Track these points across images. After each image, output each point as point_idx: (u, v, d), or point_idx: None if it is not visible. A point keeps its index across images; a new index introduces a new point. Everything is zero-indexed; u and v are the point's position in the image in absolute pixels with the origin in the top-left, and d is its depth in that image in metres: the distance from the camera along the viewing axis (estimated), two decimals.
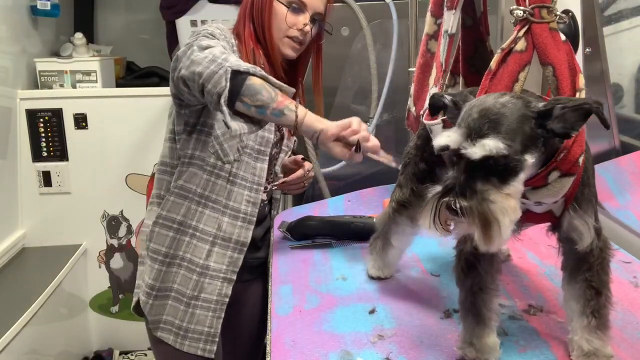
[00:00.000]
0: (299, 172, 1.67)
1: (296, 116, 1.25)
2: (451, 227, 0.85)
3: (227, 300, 1.50)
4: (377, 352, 1.05)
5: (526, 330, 1.10)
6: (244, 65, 1.24)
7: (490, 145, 0.80)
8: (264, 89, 1.24)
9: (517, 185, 0.84)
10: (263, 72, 1.26)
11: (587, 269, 0.96)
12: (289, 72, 1.61)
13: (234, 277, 1.50)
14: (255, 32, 1.50)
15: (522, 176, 0.84)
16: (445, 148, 0.85)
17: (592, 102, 0.81)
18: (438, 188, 0.85)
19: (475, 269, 0.97)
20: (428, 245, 1.51)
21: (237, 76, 1.23)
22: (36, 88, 2.51)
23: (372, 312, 1.20)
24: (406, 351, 1.05)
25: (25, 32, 2.46)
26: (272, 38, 1.49)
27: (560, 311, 1.13)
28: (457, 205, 0.81)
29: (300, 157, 1.72)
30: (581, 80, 0.94)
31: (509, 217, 0.82)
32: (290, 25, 1.49)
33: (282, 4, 1.49)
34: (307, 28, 1.50)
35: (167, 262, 1.48)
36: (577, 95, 0.93)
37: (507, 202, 0.82)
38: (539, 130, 0.84)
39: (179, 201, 1.48)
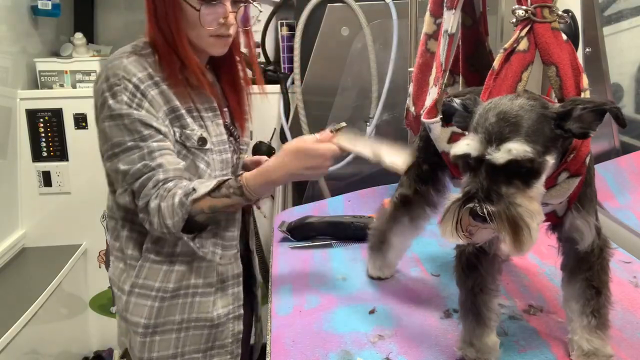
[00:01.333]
0: None
1: (246, 194, 1.22)
2: (472, 233, 0.83)
3: (241, 335, 1.39)
4: (377, 352, 1.05)
5: (526, 330, 1.10)
6: (183, 211, 1.19)
7: (518, 150, 0.79)
8: (215, 204, 1.22)
9: (539, 187, 0.83)
10: (201, 192, 1.20)
11: (587, 269, 0.96)
12: (219, 69, 1.40)
13: (242, 311, 1.38)
14: (166, 40, 1.27)
15: (544, 178, 0.83)
16: (466, 156, 0.83)
17: (610, 103, 0.81)
18: (457, 195, 0.83)
19: (477, 270, 0.97)
20: (428, 245, 1.51)
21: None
22: (36, 88, 2.50)
23: (372, 312, 1.20)
24: (406, 351, 1.05)
25: (25, 32, 2.46)
26: (183, 44, 1.25)
27: (560, 311, 1.13)
28: (484, 211, 0.78)
29: (264, 158, 1.49)
30: (585, 81, 0.93)
31: (536, 220, 0.80)
32: (208, 25, 1.24)
33: (190, 4, 1.23)
34: (231, 19, 1.26)
35: (157, 331, 1.32)
36: (582, 95, 0.92)
37: (532, 205, 0.81)
38: (557, 131, 0.83)
39: (165, 267, 1.30)
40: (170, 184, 1.22)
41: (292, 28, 2.36)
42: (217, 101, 1.34)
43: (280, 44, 2.43)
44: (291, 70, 2.33)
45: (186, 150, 1.27)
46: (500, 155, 0.79)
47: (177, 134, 1.26)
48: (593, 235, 0.94)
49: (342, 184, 2.28)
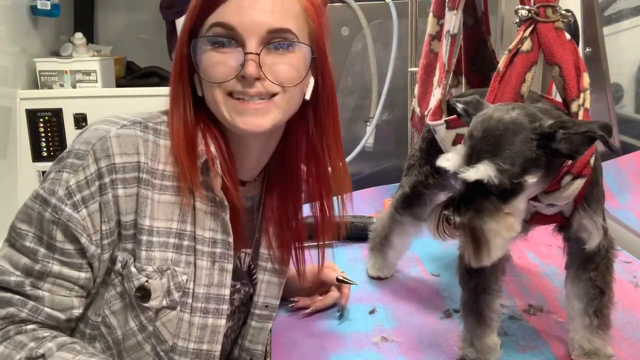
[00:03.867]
0: (333, 296, 1.17)
1: None
2: (457, 233, 0.86)
3: None
4: (377, 352, 1.05)
5: (526, 330, 1.10)
6: None
7: (481, 171, 0.81)
8: None
9: (517, 204, 0.84)
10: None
11: (592, 269, 0.96)
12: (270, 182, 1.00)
13: None
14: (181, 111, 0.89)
15: (523, 196, 0.85)
16: (446, 170, 0.86)
17: (596, 129, 0.80)
18: (444, 198, 0.87)
19: (480, 270, 0.97)
20: (428, 245, 1.50)
21: None
22: (36, 88, 2.51)
23: (372, 312, 1.20)
24: (406, 351, 1.05)
25: (25, 32, 2.46)
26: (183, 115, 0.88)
27: (560, 311, 1.13)
28: (453, 221, 0.84)
29: (333, 275, 1.16)
30: (585, 80, 0.93)
31: (501, 237, 0.83)
32: (214, 79, 0.85)
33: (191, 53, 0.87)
34: (252, 69, 0.82)
35: None
36: (582, 95, 0.92)
37: (503, 221, 0.83)
38: (541, 151, 0.83)
39: None
40: (28, 327, 0.84)
41: None
42: (238, 235, 0.93)
43: None
44: None
45: (123, 289, 0.87)
46: (469, 174, 0.82)
47: (120, 263, 0.86)
48: (600, 235, 0.95)
49: None
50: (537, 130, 0.83)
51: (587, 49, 1.65)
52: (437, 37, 1.31)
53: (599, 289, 0.96)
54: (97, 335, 0.89)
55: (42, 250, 0.84)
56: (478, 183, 0.82)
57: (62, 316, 0.85)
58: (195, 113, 0.89)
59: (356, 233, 1.58)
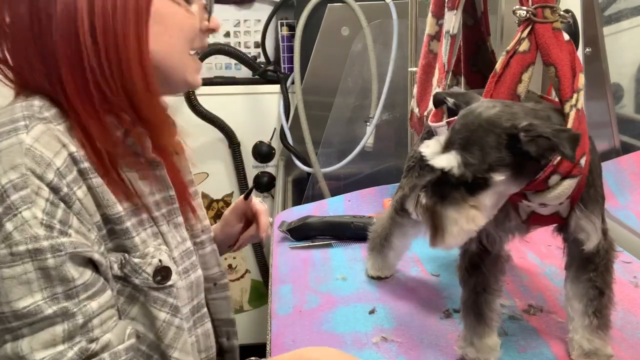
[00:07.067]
0: (251, 231, 1.25)
1: None
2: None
3: None
4: (377, 352, 1.05)
5: (526, 330, 1.10)
6: None
7: (446, 161, 0.83)
8: None
9: (483, 199, 0.85)
10: None
11: (592, 270, 0.96)
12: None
13: None
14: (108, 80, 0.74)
15: (491, 192, 0.85)
16: (423, 156, 0.88)
17: (559, 138, 0.78)
18: (426, 179, 0.89)
19: (480, 269, 0.98)
20: (428, 245, 1.50)
21: None
22: None
23: (372, 312, 1.20)
24: (406, 351, 1.05)
25: None
26: (148, 69, 0.76)
27: (560, 311, 1.13)
28: (420, 201, 0.86)
29: (242, 204, 1.22)
30: (580, 80, 0.93)
31: (458, 227, 0.84)
32: (189, 31, 0.79)
33: None
34: (216, 22, 0.84)
35: None
36: (575, 95, 0.92)
37: (465, 212, 0.84)
38: (509, 150, 0.83)
39: None
40: None
41: (292, 28, 2.36)
42: (179, 182, 0.89)
43: (280, 44, 2.43)
44: (291, 70, 2.33)
45: (132, 289, 0.78)
46: (436, 160, 0.84)
47: (116, 265, 0.76)
48: (599, 236, 0.95)
49: (342, 184, 2.28)
50: (507, 130, 0.83)
51: (587, 49, 1.65)
52: (436, 37, 1.32)
53: (599, 289, 0.96)
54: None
55: (68, 304, 0.69)
56: (446, 172, 0.84)
57: (130, 342, 0.76)
58: None
59: (356, 233, 1.58)
